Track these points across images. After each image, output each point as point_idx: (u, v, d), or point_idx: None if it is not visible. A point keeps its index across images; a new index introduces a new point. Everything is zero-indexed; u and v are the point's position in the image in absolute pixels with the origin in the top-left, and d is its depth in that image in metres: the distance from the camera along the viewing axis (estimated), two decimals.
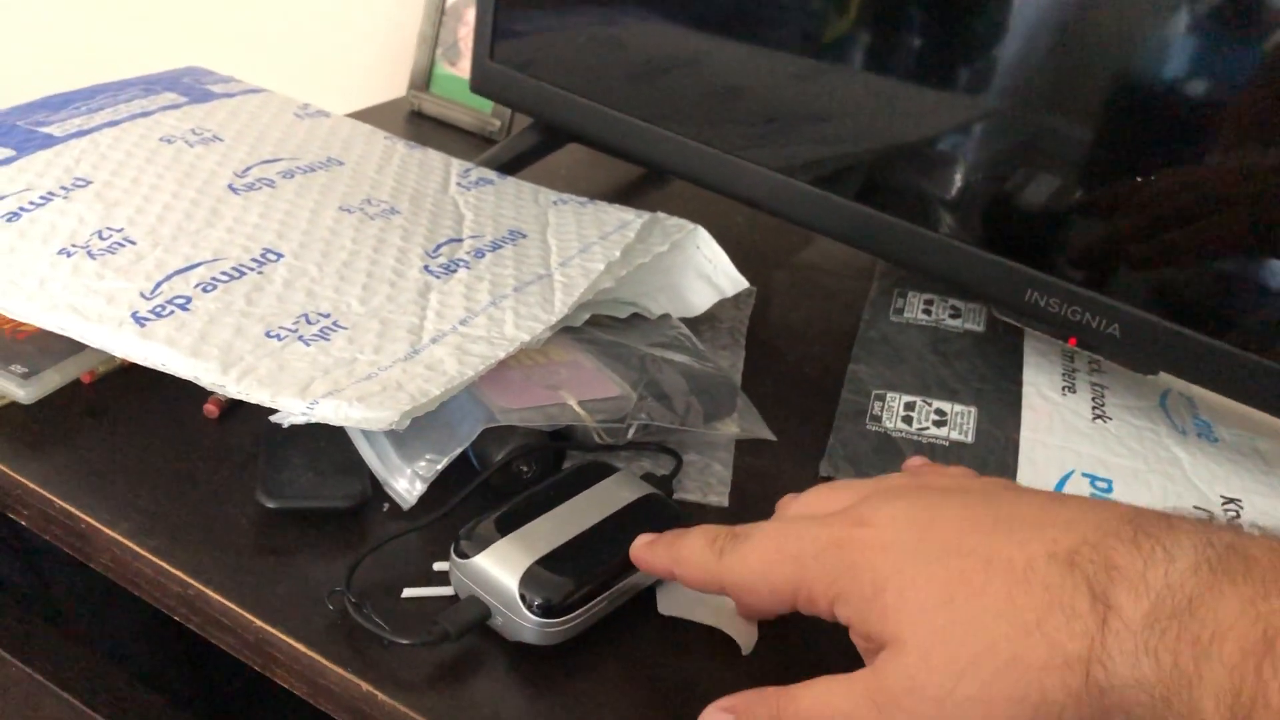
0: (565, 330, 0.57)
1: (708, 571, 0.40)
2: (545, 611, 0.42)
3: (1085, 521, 0.33)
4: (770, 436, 0.57)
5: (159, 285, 0.51)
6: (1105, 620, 0.31)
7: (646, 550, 0.43)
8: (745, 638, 0.45)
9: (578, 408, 0.52)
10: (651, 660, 0.45)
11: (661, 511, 0.48)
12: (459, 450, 0.49)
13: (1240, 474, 0.57)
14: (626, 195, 0.83)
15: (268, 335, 0.49)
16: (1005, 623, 0.32)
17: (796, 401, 0.61)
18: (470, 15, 0.87)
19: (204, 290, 0.51)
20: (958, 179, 0.61)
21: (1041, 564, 0.33)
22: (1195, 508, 0.54)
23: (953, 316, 0.67)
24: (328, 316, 0.51)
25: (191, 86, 0.71)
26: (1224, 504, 0.55)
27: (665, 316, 0.62)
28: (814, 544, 0.37)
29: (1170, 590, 0.30)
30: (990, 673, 0.32)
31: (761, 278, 0.71)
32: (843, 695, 0.36)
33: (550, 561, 0.43)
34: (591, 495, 0.47)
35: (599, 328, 0.59)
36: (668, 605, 0.46)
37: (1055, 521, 0.34)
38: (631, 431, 0.54)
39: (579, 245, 0.61)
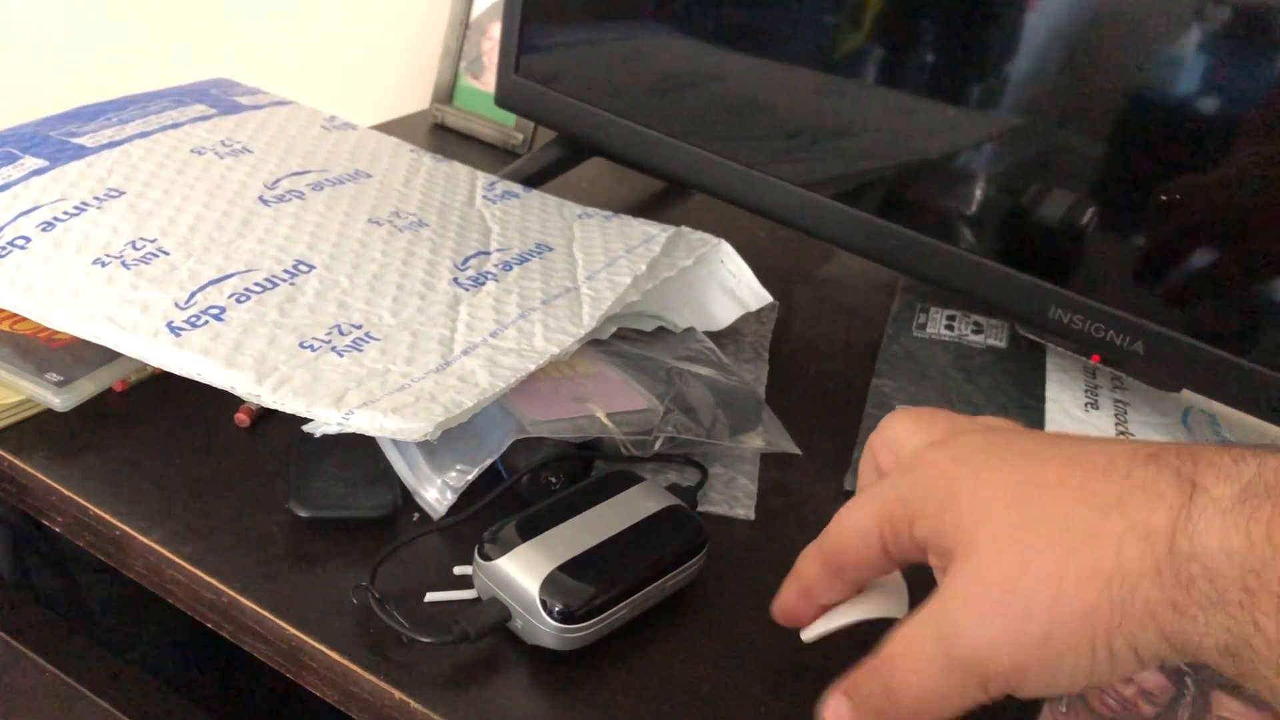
0: (592, 343, 0.58)
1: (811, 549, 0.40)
2: (565, 617, 0.43)
3: (1169, 442, 0.33)
4: (795, 450, 0.58)
5: (193, 295, 0.51)
6: (1192, 496, 0.30)
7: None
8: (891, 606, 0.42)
9: (605, 420, 0.52)
10: (671, 668, 0.45)
11: (684, 523, 0.48)
12: (489, 461, 0.49)
13: None
14: (648, 209, 0.84)
15: (301, 346, 0.49)
16: (1082, 506, 0.32)
17: (820, 416, 0.62)
18: (493, 29, 0.88)
19: (238, 301, 0.52)
20: (979, 194, 0.62)
21: (1123, 460, 0.32)
22: None
23: (975, 332, 0.67)
24: (360, 328, 0.52)
25: (220, 98, 0.72)
26: None
27: (690, 330, 0.63)
28: (889, 480, 0.37)
29: (1261, 476, 0.30)
30: (1063, 550, 0.32)
31: (783, 292, 0.72)
32: (919, 627, 0.34)
33: (572, 567, 0.44)
34: (615, 504, 0.48)
35: (625, 341, 0.60)
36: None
37: (1137, 442, 0.34)
38: (658, 444, 0.54)
39: (605, 259, 0.62)
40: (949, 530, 0.34)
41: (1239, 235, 0.55)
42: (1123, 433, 0.60)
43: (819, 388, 0.65)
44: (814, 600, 0.41)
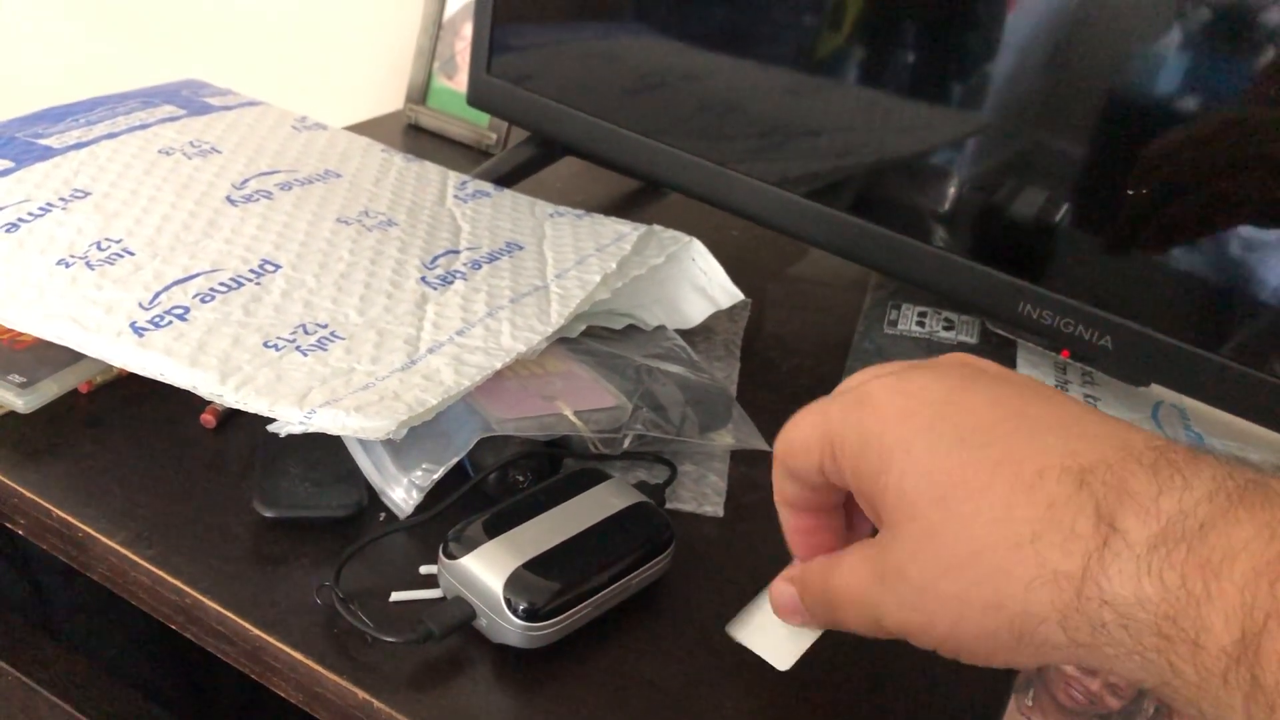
0: (561, 341, 0.57)
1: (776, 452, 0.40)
2: (529, 615, 0.42)
3: (1110, 439, 0.32)
4: (766, 447, 0.58)
5: (157, 296, 0.51)
6: (1106, 541, 0.30)
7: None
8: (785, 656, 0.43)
9: (573, 418, 0.52)
10: (637, 666, 0.45)
11: (650, 520, 0.48)
12: (455, 460, 0.49)
13: None
14: (622, 208, 0.84)
15: (265, 345, 0.49)
16: (998, 531, 0.32)
17: (791, 412, 0.61)
18: (467, 29, 0.88)
19: (202, 300, 0.51)
20: (951, 192, 0.62)
21: (1052, 476, 0.32)
22: None
23: (946, 328, 0.67)
24: (325, 327, 0.52)
25: (190, 99, 0.72)
26: None
27: (661, 328, 0.63)
28: (843, 400, 0.37)
29: (1183, 515, 0.29)
30: (972, 577, 0.32)
31: (756, 290, 0.72)
32: (861, 573, 0.36)
33: (537, 565, 0.44)
34: (582, 501, 0.48)
35: (595, 339, 0.59)
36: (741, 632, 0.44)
37: (1082, 432, 0.33)
38: (627, 442, 0.54)
39: (575, 257, 0.62)
40: (876, 498, 0.35)
41: (1207, 231, 0.55)
42: None
43: (791, 385, 0.65)
44: (791, 505, 0.41)
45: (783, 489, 0.40)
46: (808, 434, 0.38)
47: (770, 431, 0.59)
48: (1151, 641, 0.29)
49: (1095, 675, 0.46)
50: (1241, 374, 0.55)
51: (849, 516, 0.41)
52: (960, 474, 0.33)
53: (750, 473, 0.57)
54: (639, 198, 0.86)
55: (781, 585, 0.41)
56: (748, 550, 0.52)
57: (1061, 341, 0.59)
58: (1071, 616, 0.30)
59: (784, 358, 0.68)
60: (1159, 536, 0.29)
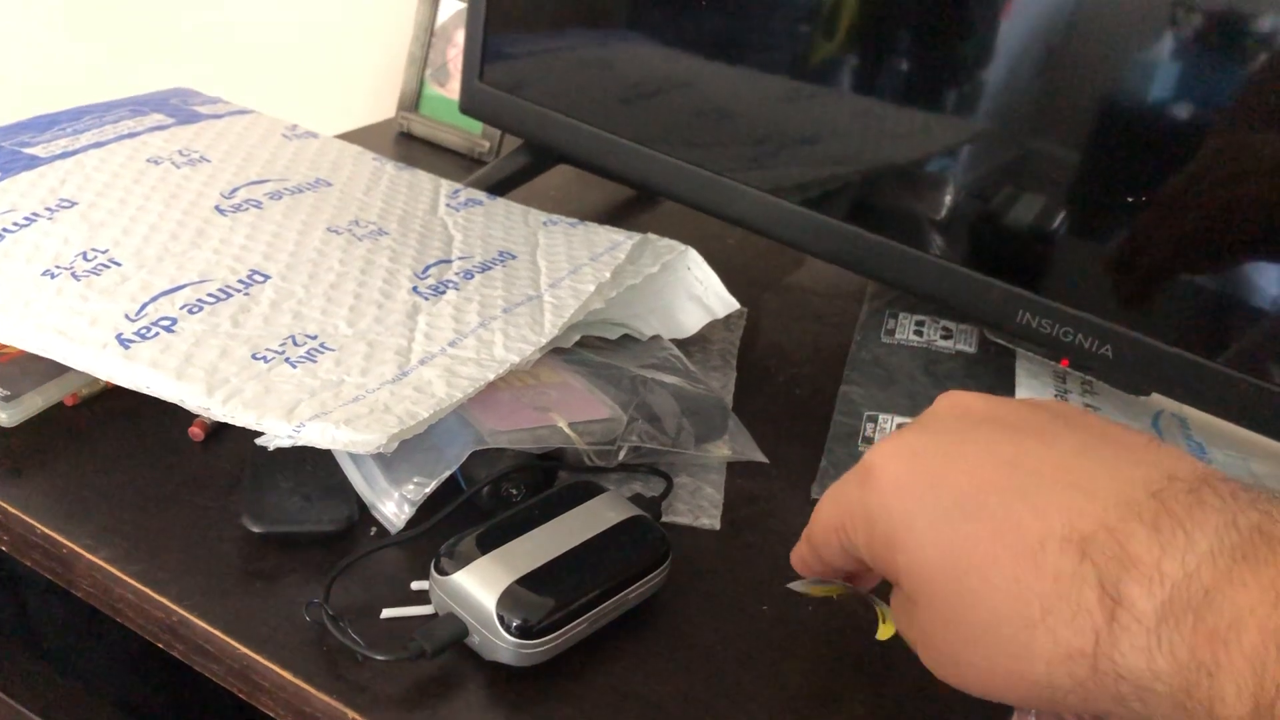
0: (555, 351, 0.57)
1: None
2: (523, 632, 0.42)
3: (1110, 494, 0.32)
4: (762, 459, 0.57)
5: (144, 307, 0.50)
6: (1114, 615, 0.30)
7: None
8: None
9: (568, 429, 0.52)
10: (632, 683, 0.44)
11: (647, 535, 0.47)
12: (447, 473, 0.48)
13: None
14: (616, 216, 0.83)
15: (254, 357, 0.48)
16: (1011, 606, 0.32)
17: (788, 423, 0.61)
18: (459, 36, 0.87)
19: (189, 312, 0.50)
20: (948, 200, 0.61)
21: (1054, 548, 0.32)
22: None
23: (944, 338, 0.67)
24: (315, 338, 0.51)
25: (179, 108, 0.71)
26: None
27: (656, 338, 0.62)
28: (852, 478, 0.38)
29: (1187, 580, 0.29)
30: (993, 650, 0.33)
31: (752, 299, 0.71)
32: (898, 609, 0.38)
33: (530, 581, 0.43)
34: (576, 515, 0.47)
35: (589, 349, 0.59)
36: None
37: (1079, 486, 0.32)
38: (622, 453, 0.53)
39: (569, 266, 0.61)
40: (890, 573, 0.37)
41: (1207, 238, 0.54)
42: None
43: (787, 395, 0.64)
44: (813, 572, 0.43)
45: (807, 561, 0.43)
46: (826, 520, 0.39)
47: (766, 442, 0.58)
48: (1170, 713, 0.30)
49: None
50: (1242, 382, 0.54)
51: None
52: (964, 548, 0.33)
53: (747, 485, 0.56)
54: (633, 206, 0.85)
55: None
56: (745, 564, 0.51)
57: (1061, 350, 0.59)
58: (1091, 690, 0.31)
59: (781, 368, 0.67)
60: (1166, 607, 0.29)
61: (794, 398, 0.64)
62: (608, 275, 0.60)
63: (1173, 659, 0.29)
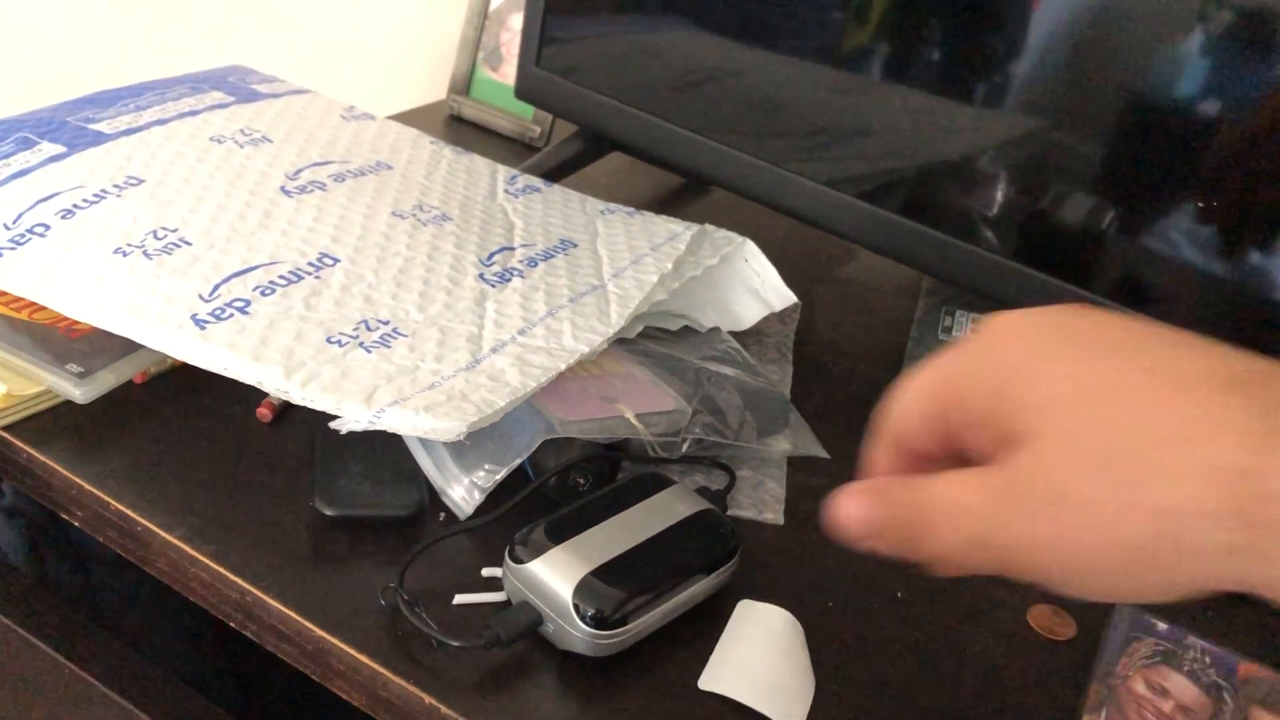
0: (619, 342, 0.57)
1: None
2: (598, 623, 0.42)
3: (1252, 357, 0.30)
4: (824, 454, 0.57)
5: (217, 288, 0.50)
6: (1266, 440, 0.28)
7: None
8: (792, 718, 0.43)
9: (635, 420, 0.52)
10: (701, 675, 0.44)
11: (716, 528, 0.47)
12: (518, 461, 0.48)
13: None
14: (666, 205, 0.83)
15: (329, 341, 0.49)
16: (1146, 429, 0.29)
17: (846, 419, 0.61)
18: (512, 20, 0.87)
19: (262, 294, 0.51)
20: (1001, 194, 0.61)
21: (1199, 377, 0.29)
22: None
23: None
24: (387, 323, 0.51)
25: (237, 86, 0.71)
26: None
27: (715, 330, 0.62)
28: (954, 348, 0.34)
29: None
30: (1114, 478, 0.30)
31: (804, 292, 0.71)
32: (971, 488, 0.32)
33: (604, 572, 0.43)
34: (647, 507, 0.47)
35: (651, 340, 0.59)
36: (717, 681, 0.44)
37: (1221, 351, 0.30)
38: (685, 446, 0.53)
39: (630, 256, 0.61)
40: (1004, 415, 0.32)
41: (1270, 233, 0.54)
42: None
43: (844, 390, 0.64)
44: (876, 471, 0.37)
45: (876, 459, 0.37)
46: (911, 389, 0.35)
47: (825, 437, 0.58)
48: None
49: (1168, 697, 0.45)
50: None
51: None
52: (1100, 376, 0.31)
53: (808, 481, 0.56)
54: (683, 195, 0.85)
55: (852, 500, 0.35)
56: (809, 560, 0.51)
57: None
58: (1227, 514, 0.28)
59: (836, 361, 0.67)
60: None
61: (850, 393, 0.64)
62: (669, 266, 0.60)
63: None
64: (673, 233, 0.64)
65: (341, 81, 0.96)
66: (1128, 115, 0.56)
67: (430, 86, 0.97)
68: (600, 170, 0.81)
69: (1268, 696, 0.45)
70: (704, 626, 0.46)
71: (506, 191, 0.67)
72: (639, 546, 0.45)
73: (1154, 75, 0.55)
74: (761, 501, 0.54)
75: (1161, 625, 0.48)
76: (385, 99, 0.90)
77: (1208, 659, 0.47)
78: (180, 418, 0.52)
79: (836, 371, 0.66)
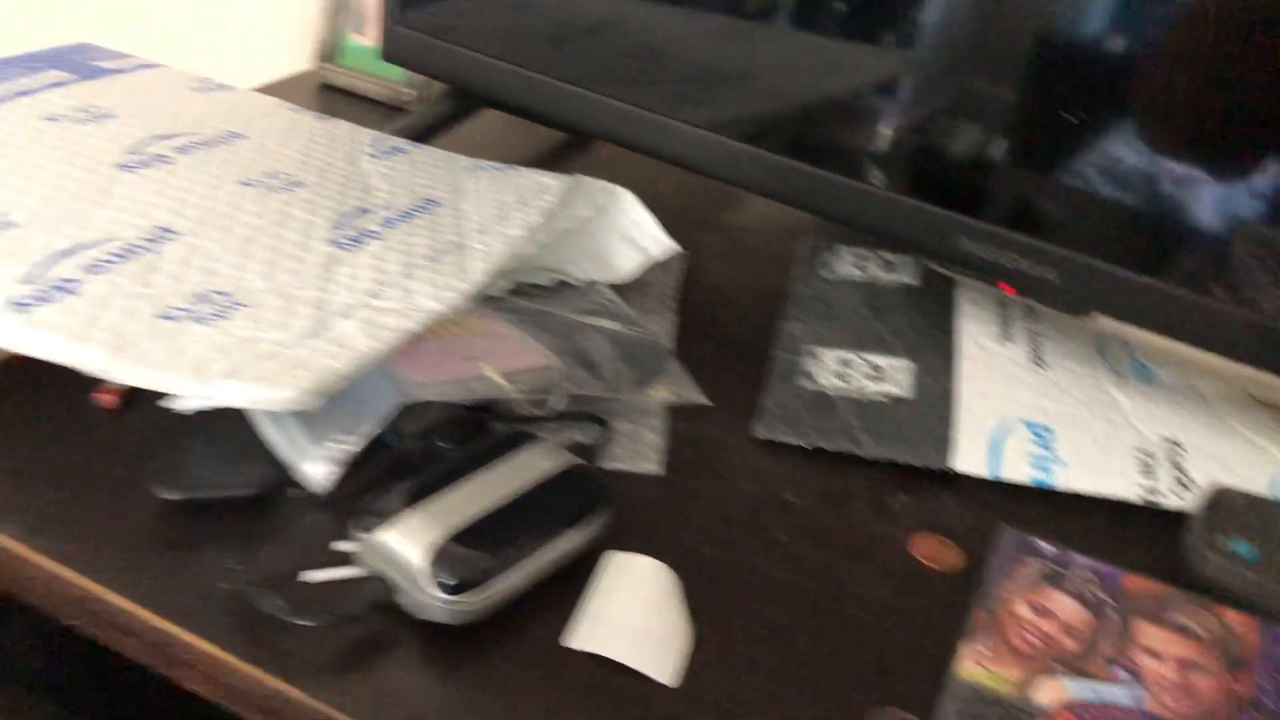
0: (487, 300, 0.55)
1: None
2: (455, 588, 0.40)
3: None
4: (704, 400, 0.55)
5: (41, 268, 0.47)
6: None
7: None
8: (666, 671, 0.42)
9: (499, 379, 0.50)
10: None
11: (584, 483, 0.45)
12: (373, 429, 0.46)
13: (1180, 413, 0.56)
14: (548, 162, 0.80)
15: (161, 316, 0.46)
16: None
17: (730, 364, 0.59)
18: None
19: (93, 272, 0.48)
20: (885, 130, 0.60)
21: None
22: (1135, 449, 0.53)
23: (886, 270, 0.65)
24: (227, 295, 0.48)
25: (80, 64, 0.67)
26: (1165, 444, 0.54)
27: (592, 283, 0.60)
28: None
29: None
30: None
31: (692, 240, 0.69)
32: None
33: (459, 536, 0.41)
34: (507, 467, 0.45)
35: (523, 297, 0.57)
36: (583, 639, 0.42)
37: None
38: (558, 401, 0.51)
39: (498, 212, 0.59)
40: None
41: (1144, 156, 0.53)
42: (1038, 363, 0.59)
43: (729, 336, 0.63)
44: None
45: None
46: None
47: (709, 384, 0.57)
48: None
49: (1050, 616, 0.44)
50: (1185, 299, 0.53)
51: None
52: None
53: (689, 428, 0.54)
54: (565, 151, 0.82)
55: None
56: (690, 509, 0.50)
57: (1001, 276, 0.58)
58: None
59: (722, 309, 0.65)
60: None
61: (736, 338, 0.62)
62: (538, 220, 0.57)
63: None
64: (545, 186, 0.62)
65: (200, 56, 0.92)
66: (1012, 43, 0.55)
67: (297, 57, 0.94)
68: (478, 130, 0.78)
69: (1152, 608, 0.45)
70: (577, 586, 0.44)
71: (370, 154, 0.64)
72: (498, 507, 0.43)
73: (1033, 8, 0.54)
74: (639, 452, 0.52)
75: (1048, 547, 0.47)
76: (249, 72, 0.86)
77: (1093, 576, 0.46)
78: (15, 409, 0.49)
79: (722, 318, 0.64)
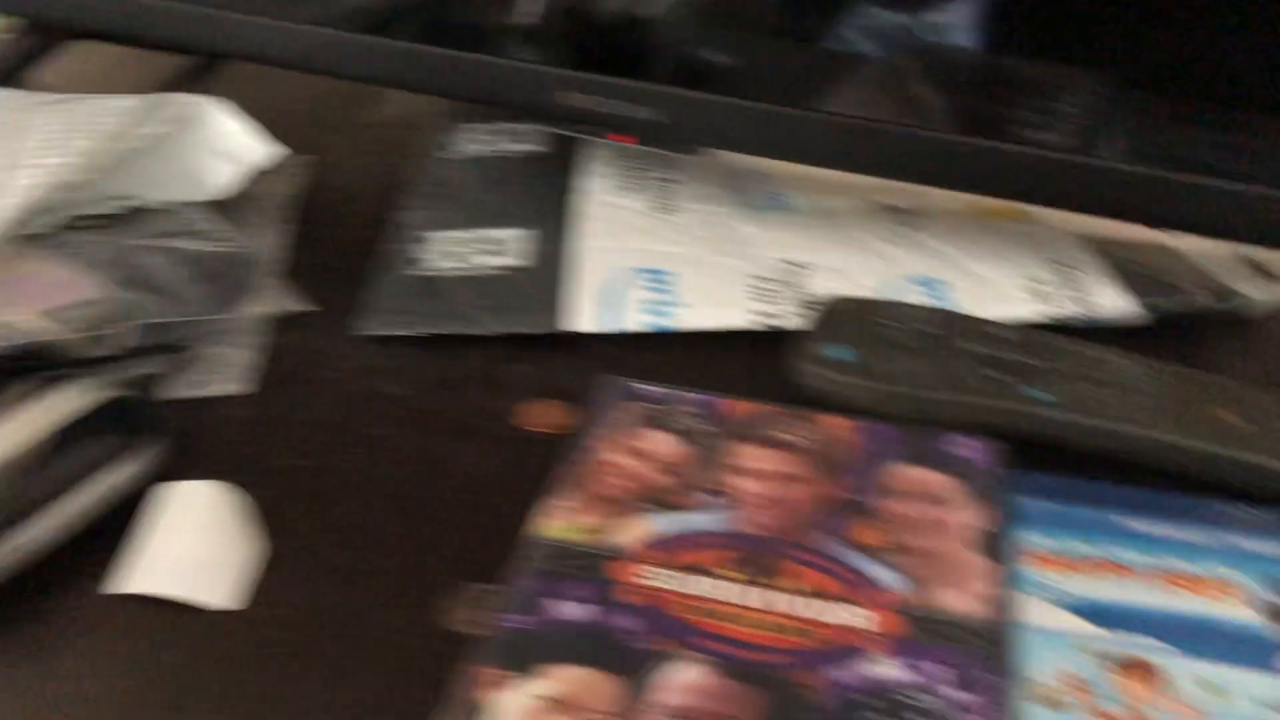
0: (30, 239, 0.49)
1: None
2: None
3: None
4: (297, 307, 0.51)
5: None
6: None
7: None
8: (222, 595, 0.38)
9: (38, 319, 0.44)
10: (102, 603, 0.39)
11: (129, 415, 0.41)
12: None
13: (811, 236, 0.55)
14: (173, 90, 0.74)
15: None
16: None
17: (347, 267, 0.55)
18: None
19: None
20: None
21: None
22: (753, 277, 0.52)
23: (513, 141, 0.62)
24: None
25: None
26: (787, 266, 0.53)
27: (175, 205, 0.55)
28: None
29: None
30: None
31: (318, 144, 0.65)
32: None
33: None
34: (20, 418, 0.40)
35: (82, 231, 0.51)
36: (126, 581, 0.38)
37: None
38: (127, 337, 0.47)
39: (45, 145, 0.53)
40: None
41: None
42: (665, 210, 0.57)
43: (350, 239, 0.58)
44: None
45: None
46: None
47: (325, 290, 0.53)
48: None
49: (643, 457, 0.42)
50: (786, 115, 0.52)
51: None
52: None
53: (293, 339, 0.50)
54: (196, 76, 0.76)
55: None
56: (283, 424, 0.46)
57: (608, 125, 0.55)
58: None
59: (350, 212, 0.61)
60: None
61: (359, 240, 0.58)
62: (87, 144, 0.52)
63: None
64: (113, 109, 0.56)
65: None
66: None
67: None
68: (88, 66, 0.71)
69: (749, 428, 0.43)
70: (132, 528, 0.40)
71: None
72: (4, 460, 0.38)
73: None
74: (227, 373, 0.48)
75: (652, 389, 0.46)
76: None
77: (695, 409, 0.44)
78: None
79: (350, 221, 0.60)
